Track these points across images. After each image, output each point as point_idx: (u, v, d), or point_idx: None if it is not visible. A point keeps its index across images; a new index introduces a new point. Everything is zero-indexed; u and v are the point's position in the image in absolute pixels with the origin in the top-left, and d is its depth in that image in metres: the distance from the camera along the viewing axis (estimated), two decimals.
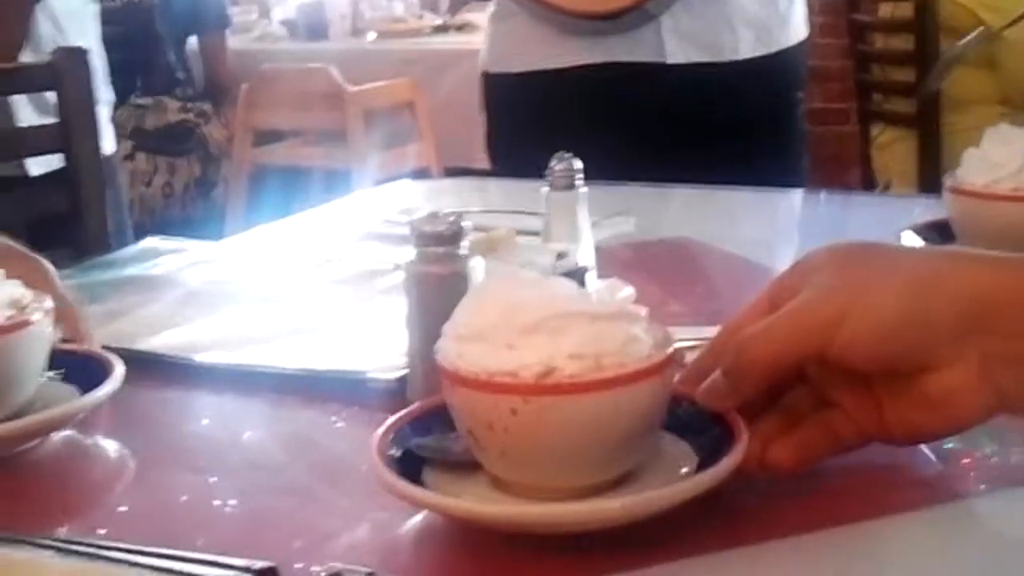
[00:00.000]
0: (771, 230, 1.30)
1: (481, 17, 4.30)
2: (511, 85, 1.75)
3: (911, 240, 0.89)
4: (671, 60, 1.65)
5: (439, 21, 4.55)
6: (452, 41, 4.26)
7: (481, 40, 1.90)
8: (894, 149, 3.20)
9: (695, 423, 0.60)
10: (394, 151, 3.98)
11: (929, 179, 2.95)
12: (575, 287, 0.56)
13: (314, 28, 4.46)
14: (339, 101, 3.86)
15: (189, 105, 3.89)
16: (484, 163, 2.02)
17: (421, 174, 3.76)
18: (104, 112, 2.02)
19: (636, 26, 1.62)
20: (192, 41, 3.98)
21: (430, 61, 4.06)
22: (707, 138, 1.63)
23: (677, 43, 1.66)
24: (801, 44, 1.75)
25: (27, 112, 1.85)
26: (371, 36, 4.42)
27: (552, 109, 1.69)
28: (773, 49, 1.71)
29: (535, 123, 1.70)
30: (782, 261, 0.88)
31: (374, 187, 1.77)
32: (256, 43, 4.61)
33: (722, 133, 1.65)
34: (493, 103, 1.79)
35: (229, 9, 4.40)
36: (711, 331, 0.65)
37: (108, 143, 2.02)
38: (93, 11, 2.09)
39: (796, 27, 1.74)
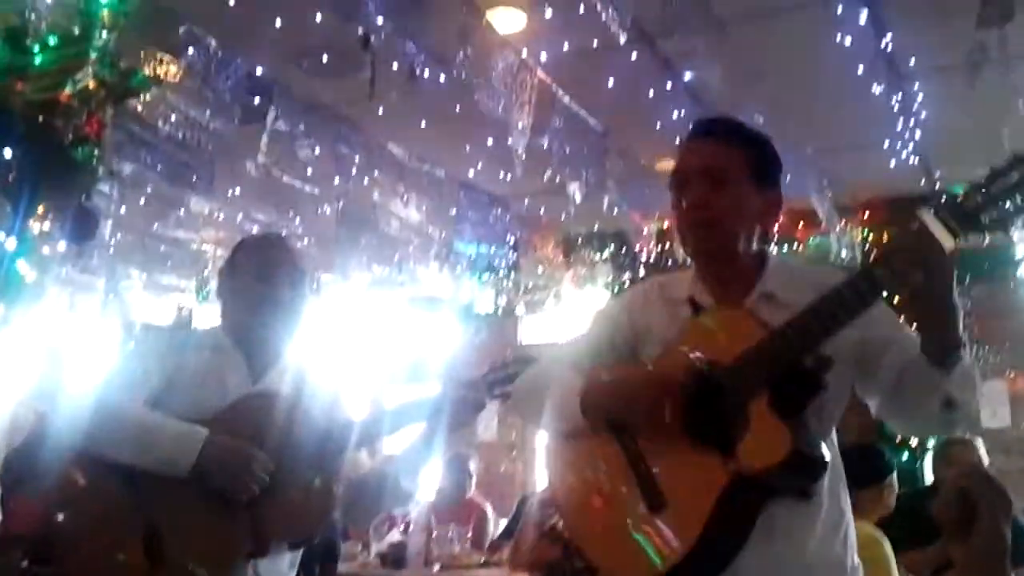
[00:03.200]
0: None
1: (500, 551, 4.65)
2: None
3: None
4: None
5: (482, 559, 4.58)
6: (493, 574, 4.32)
7: None
8: None
9: None
10: None
11: None
12: None
13: (398, 561, 4.48)
14: None
15: None
16: None
17: None
18: None
19: None
20: None
21: None
22: None
23: None
24: None
25: None
26: (436, 567, 4.42)
27: None
28: None
29: None
30: None
31: None
32: (358, 569, 4.62)
33: None
34: None
35: (341, 544, 4.60)
36: None
37: None
38: None
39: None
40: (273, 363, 2.18)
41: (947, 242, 1.45)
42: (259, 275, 2.15)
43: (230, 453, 1.95)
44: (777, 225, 1.75)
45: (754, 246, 1.73)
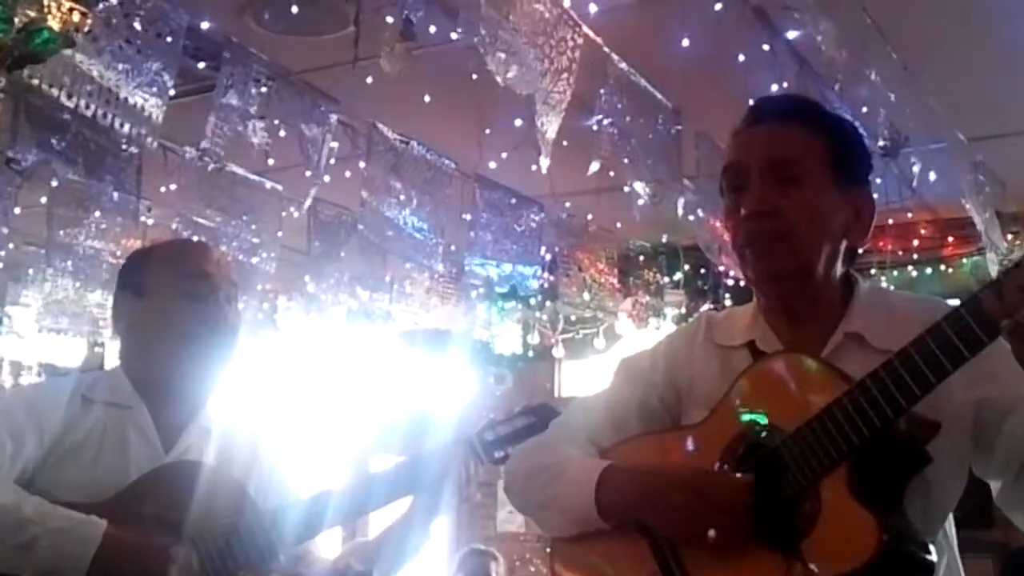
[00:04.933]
0: None
1: None
2: None
3: None
4: None
5: None
6: None
7: None
8: None
9: None
10: None
11: None
12: None
13: None
14: None
15: None
16: None
17: None
18: None
19: None
20: None
21: None
22: None
23: None
24: None
25: None
26: None
27: None
28: None
29: None
30: None
31: None
32: None
33: None
34: None
35: None
36: None
37: None
38: None
39: None
40: (191, 419, 2.19)
41: None
42: (175, 291, 2.19)
43: (138, 552, 1.92)
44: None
45: (838, 269, 1.76)
